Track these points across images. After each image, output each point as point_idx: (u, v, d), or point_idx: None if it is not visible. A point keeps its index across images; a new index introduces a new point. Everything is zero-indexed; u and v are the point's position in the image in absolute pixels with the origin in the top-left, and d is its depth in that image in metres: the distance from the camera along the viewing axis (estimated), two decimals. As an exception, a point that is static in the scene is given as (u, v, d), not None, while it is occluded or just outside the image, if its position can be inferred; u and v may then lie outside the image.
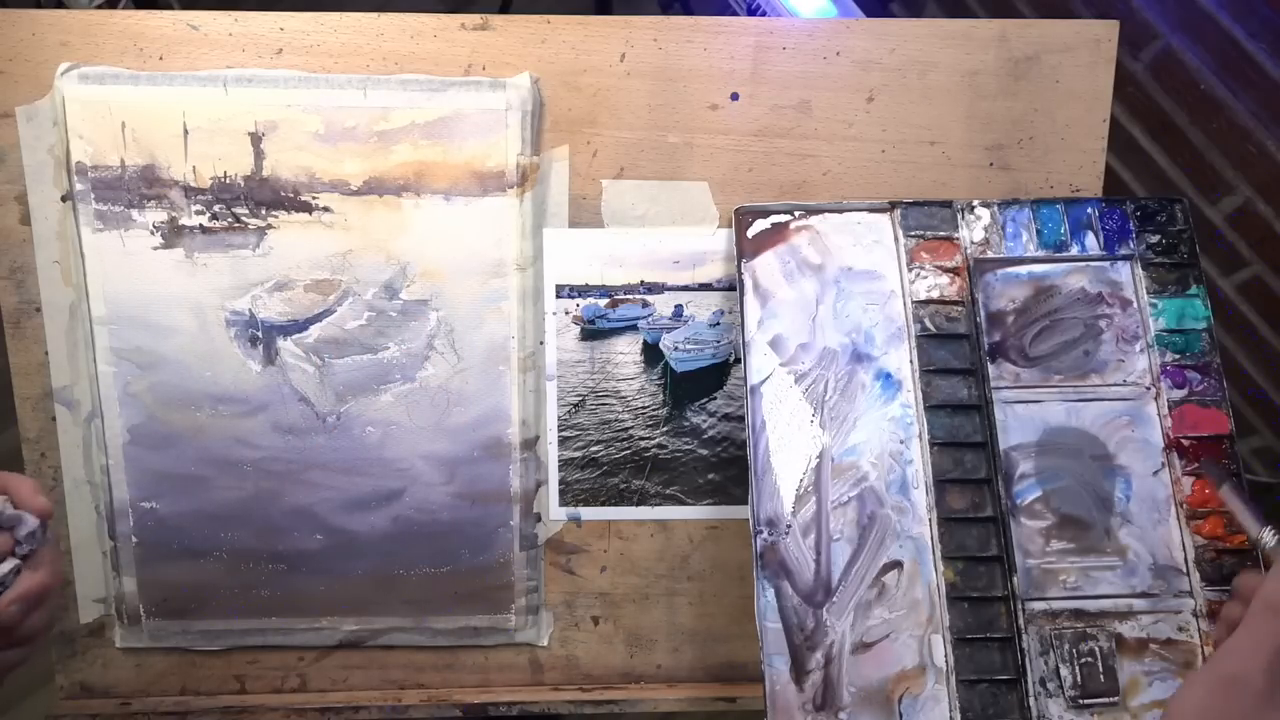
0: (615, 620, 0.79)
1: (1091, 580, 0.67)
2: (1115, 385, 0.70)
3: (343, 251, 0.73)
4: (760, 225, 0.73)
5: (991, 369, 0.70)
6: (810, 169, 0.76)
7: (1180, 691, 0.50)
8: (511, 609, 0.78)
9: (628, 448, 0.78)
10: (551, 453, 0.78)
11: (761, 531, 0.67)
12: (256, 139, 0.72)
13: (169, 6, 1.49)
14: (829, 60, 0.75)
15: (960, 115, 0.76)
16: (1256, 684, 0.48)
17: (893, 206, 0.73)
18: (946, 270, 0.71)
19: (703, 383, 0.78)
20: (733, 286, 0.76)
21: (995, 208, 0.72)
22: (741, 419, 0.77)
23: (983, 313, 0.71)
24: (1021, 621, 0.66)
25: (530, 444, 0.77)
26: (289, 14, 0.73)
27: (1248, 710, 0.47)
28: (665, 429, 0.78)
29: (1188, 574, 0.67)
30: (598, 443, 0.78)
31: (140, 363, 0.73)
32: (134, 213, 0.72)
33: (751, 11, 1.32)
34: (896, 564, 0.67)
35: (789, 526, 0.67)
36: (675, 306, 0.77)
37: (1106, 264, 0.72)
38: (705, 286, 0.77)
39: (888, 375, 0.70)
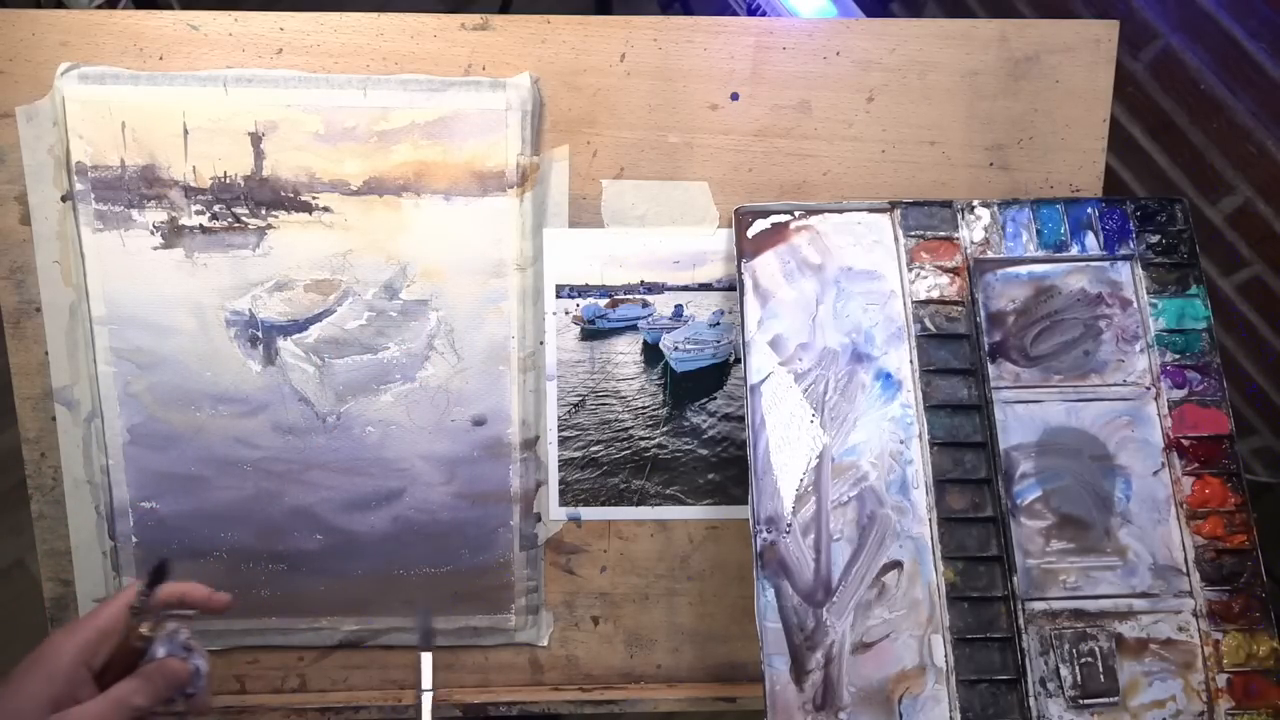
0: (615, 620, 0.79)
1: (1091, 580, 0.67)
2: (1115, 385, 0.70)
3: (343, 251, 0.73)
4: (760, 225, 0.73)
5: (991, 369, 0.70)
6: (810, 169, 0.76)
7: None
8: (511, 609, 0.78)
9: (628, 448, 0.78)
10: (551, 453, 0.77)
11: (761, 531, 0.67)
12: (256, 139, 0.72)
13: (169, 6, 1.49)
14: (829, 60, 0.75)
15: (960, 115, 0.76)
16: None
17: (893, 206, 0.73)
18: (946, 270, 0.71)
19: (703, 383, 0.78)
20: (733, 286, 0.76)
21: (995, 208, 0.72)
22: (741, 419, 0.77)
23: (983, 313, 0.71)
24: (1021, 621, 0.66)
25: (530, 444, 0.77)
26: (289, 14, 0.73)
27: None
28: (665, 429, 0.78)
29: (1188, 574, 0.67)
30: (598, 443, 0.78)
31: (140, 363, 0.73)
32: (134, 213, 0.72)
33: (751, 11, 1.32)
34: (896, 564, 0.67)
35: (789, 526, 0.67)
36: (675, 306, 0.77)
37: (1106, 264, 0.72)
38: (705, 286, 0.77)
39: (888, 375, 0.70)
